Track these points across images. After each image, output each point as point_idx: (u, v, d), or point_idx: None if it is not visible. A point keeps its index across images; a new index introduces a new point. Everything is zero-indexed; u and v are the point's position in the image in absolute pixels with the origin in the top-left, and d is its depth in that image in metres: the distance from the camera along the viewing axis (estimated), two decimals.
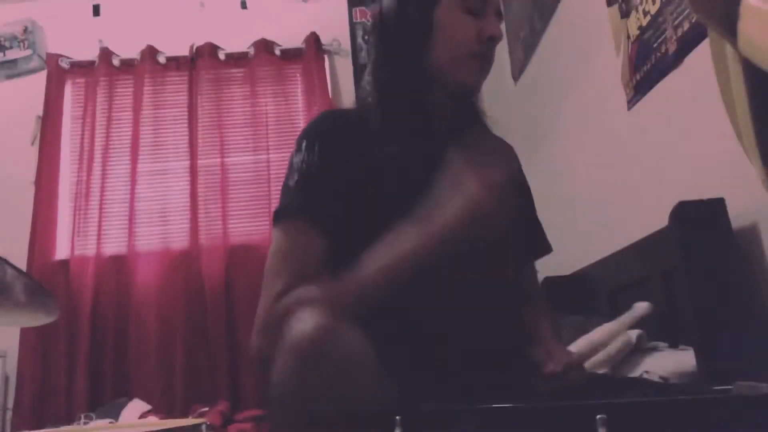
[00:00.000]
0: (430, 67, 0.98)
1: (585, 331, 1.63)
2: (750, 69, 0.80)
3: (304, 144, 0.96)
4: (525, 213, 1.12)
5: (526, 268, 1.12)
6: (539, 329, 1.01)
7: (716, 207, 1.27)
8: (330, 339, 0.69)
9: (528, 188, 1.15)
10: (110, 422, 2.37)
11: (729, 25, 0.71)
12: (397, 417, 0.57)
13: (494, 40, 0.97)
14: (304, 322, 0.71)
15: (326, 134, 0.97)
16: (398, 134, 0.95)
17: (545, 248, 1.12)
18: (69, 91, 3.35)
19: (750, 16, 0.68)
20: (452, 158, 0.85)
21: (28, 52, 3.32)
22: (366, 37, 3.37)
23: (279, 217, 0.94)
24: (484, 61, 0.99)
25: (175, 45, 3.33)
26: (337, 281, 0.85)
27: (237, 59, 3.36)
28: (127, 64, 3.32)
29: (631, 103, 1.77)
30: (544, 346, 0.93)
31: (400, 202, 0.91)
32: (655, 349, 1.44)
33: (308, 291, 0.85)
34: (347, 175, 0.92)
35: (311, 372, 0.68)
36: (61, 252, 3.09)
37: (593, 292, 1.90)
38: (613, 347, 1.46)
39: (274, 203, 3.22)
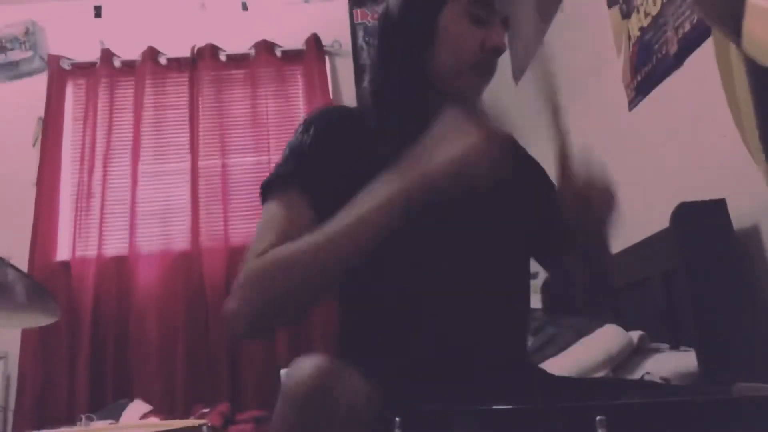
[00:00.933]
0: (431, 73, 0.97)
1: (586, 332, 1.63)
2: (754, 69, 0.80)
3: (300, 128, 0.97)
4: (548, 203, 1.09)
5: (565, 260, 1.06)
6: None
7: (717, 208, 1.27)
8: (329, 387, 0.66)
9: (549, 180, 1.09)
10: (111, 423, 2.37)
11: (733, 25, 0.71)
12: (397, 418, 0.57)
13: (498, 51, 0.95)
14: (301, 372, 0.68)
15: (322, 121, 0.97)
16: (395, 136, 0.95)
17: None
18: (70, 93, 3.35)
19: (755, 15, 0.68)
20: (444, 115, 0.82)
21: (30, 53, 3.33)
22: (367, 39, 3.37)
23: (268, 188, 0.92)
24: (485, 72, 0.97)
25: (176, 46, 3.34)
26: (316, 230, 0.80)
27: (238, 60, 3.36)
28: (128, 66, 3.33)
29: (632, 104, 1.77)
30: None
31: None
32: (656, 351, 1.44)
33: (286, 247, 0.81)
34: (339, 160, 0.91)
35: (308, 424, 0.66)
36: (62, 253, 3.09)
37: None
38: (614, 348, 1.46)
39: None
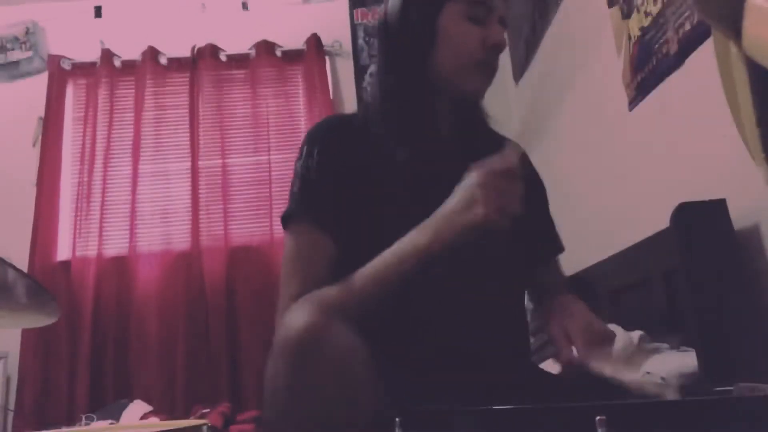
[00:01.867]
0: (434, 74, 0.98)
1: None
2: (754, 69, 0.80)
3: (305, 150, 0.97)
4: (538, 211, 1.12)
5: (549, 266, 1.11)
6: (564, 310, 0.97)
7: (718, 208, 1.27)
8: (320, 336, 0.70)
9: (542, 186, 1.14)
10: (111, 423, 2.37)
11: (733, 25, 0.70)
12: (397, 419, 0.57)
13: (498, 48, 0.96)
14: (295, 320, 0.72)
15: (326, 139, 0.98)
16: (401, 141, 0.95)
17: (558, 248, 1.12)
18: (70, 93, 3.35)
19: (755, 15, 0.68)
20: (469, 173, 0.85)
21: (30, 53, 3.33)
22: (367, 39, 3.37)
23: (286, 222, 0.96)
24: (488, 70, 0.98)
25: (176, 46, 3.34)
26: (335, 287, 0.86)
27: (238, 60, 3.36)
28: (129, 66, 3.33)
29: (633, 103, 1.77)
30: (571, 330, 0.90)
31: (404, 207, 0.91)
32: (656, 351, 1.43)
33: (313, 296, 0.86)
34: (347, 179, 0.93)
35: (302, 369, 0.69)
36: (63, 253, 3.09)
37: (594, 293, 1.90)
38: (614, 348, 1.45)
39: (276, 204, 3.23)
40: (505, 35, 0.99)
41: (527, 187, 1.10)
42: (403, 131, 0.96)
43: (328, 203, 0.93)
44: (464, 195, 0.83)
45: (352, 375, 0.69)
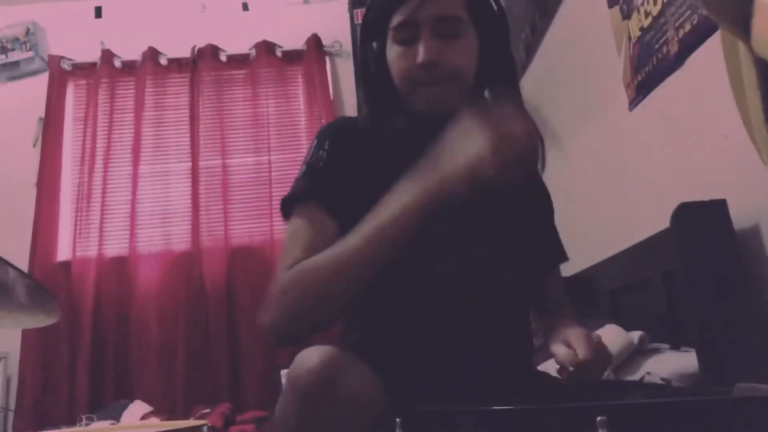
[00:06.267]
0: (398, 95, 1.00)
1: None
2: (763, 68, 0.80)
3: (315, 143, 0.99)
4: (544, 219, 1.12)
5: (550, 276, 1.10)
6: (564, 330, 0.89)
7: (718, 208, 1.27)
8: (332, 377, 0.68)
9: (549, 197, 1.14)
10: (112, 424, 2.37)
11: (742, 24, 0.70)
12: (398, 419, 0.57)
13: (425, 65, 0.92)
14: (306, 360, 0.70)
15: (336, 135, 0.99)
16: (392, 150, 0.96)
17: (560, 257, 1.12)
18: (71, 93, 3.35)
19: (764, 13, 0.68)
20: (463, 114, 0.81)
21: (30, 53, 3.33)
22: None
23: (288, 204, 0.95)
24: (430, 85, 0.94)
25: (176, 47, 3.34)
26: (340, 240, 0.84)
27: (238, 61, 3.36)
28: (129, 66, 3.33)
29: (633, 104, 1.77)
30: (572, 338, 0.83)
31: None
32: (656, 351, 1.43)
33: (312, 260, 0.84)
34: (354, 173, 0.93)
35: (313, 411, 0.68)
36: (63, 253, 3.09)
37: (595, 293, 1.90)
38: (615, 348, 1.46)
39: (276, 205, 3.23)
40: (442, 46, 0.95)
41: (535, 195, 1.10)
42: (391, 143, 0.97)
43: (335, 188, 0.93)
44: (459, 129, 0.80)
45: (364, 417, 0.68)
